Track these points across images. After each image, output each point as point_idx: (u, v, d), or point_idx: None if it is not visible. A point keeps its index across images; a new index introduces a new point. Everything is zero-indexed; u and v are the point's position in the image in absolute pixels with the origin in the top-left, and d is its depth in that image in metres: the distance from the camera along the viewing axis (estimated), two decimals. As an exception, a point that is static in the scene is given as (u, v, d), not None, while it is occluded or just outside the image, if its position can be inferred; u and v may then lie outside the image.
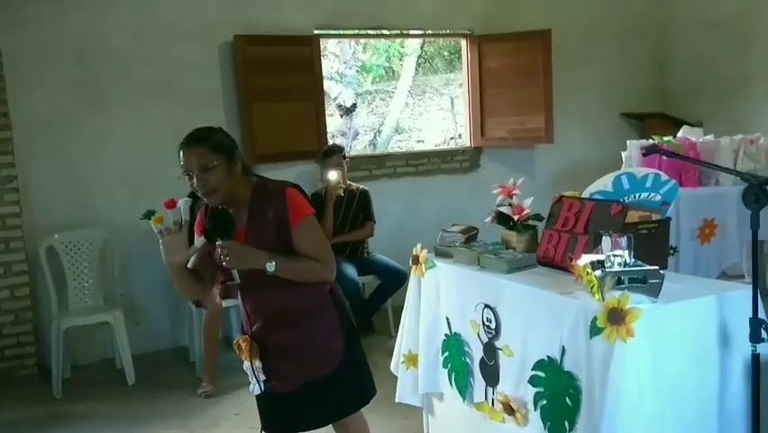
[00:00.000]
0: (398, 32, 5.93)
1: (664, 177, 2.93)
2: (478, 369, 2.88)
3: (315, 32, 5.59)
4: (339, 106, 9.96)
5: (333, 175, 5.08)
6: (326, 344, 2.43)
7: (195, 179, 2.24)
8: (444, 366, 3.11)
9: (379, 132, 10.46)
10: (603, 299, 2.22)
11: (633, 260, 2.32)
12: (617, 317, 2.15)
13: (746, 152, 4.46)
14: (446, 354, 3.10)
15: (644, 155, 2.70)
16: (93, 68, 5.02)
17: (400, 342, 3.31)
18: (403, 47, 10.36)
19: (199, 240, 2.38)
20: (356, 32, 5.86)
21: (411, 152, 6.93)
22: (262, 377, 2.42)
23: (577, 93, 6.50)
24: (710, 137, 4.76)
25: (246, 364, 2.42)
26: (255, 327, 2.44)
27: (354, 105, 10.19)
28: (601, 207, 2.75)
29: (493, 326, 2.76)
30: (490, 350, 2.79)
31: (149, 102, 5.18)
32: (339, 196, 5.15)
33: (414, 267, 3.25)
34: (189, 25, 5.23)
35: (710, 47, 6.50)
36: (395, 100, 10.55)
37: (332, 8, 5.65)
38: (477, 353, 2.88)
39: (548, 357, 2.46)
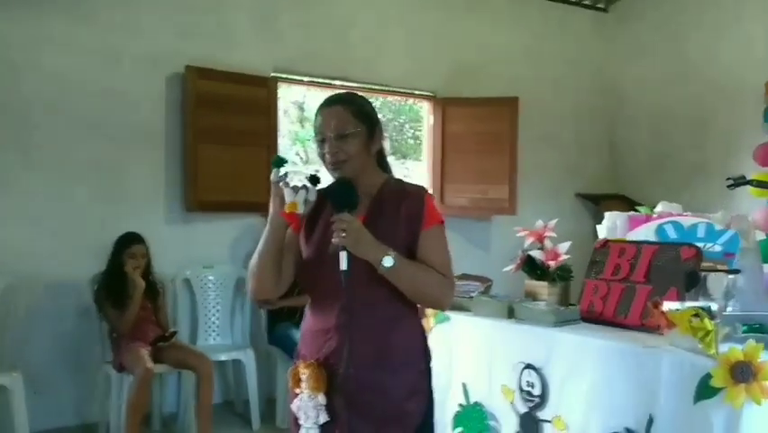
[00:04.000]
0: (360, 85, 5.52)
1: (718, 226, 2.57)
2: (510, 447, 2.33)
3: (273, 74, 5.10)
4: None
5: None
6: (406, 401, 1.85)
7: (327, 146, 1.86)
8: (456, 444, 2.53)
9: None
10: (717, 352, 1.75)
11: (738, 304, 1.89)
12: (745, 373, 1.68)
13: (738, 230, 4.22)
14: (459, 429, 2.53)
15: (729, 187, 2.34)
16: (16, 86, 4.30)
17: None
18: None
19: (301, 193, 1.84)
20: (316, 79, 5.39)
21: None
22: (324, 418, 1.80)
23: (534, 167, 6.24)
24: (689, 214, 4.54)
25: (299, 401, 1.82)
26: (325, 352, 1.83)
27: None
28: (666, 250, 2.34)
29: (536, 391, 2.23)
30: (530, 422, 2.25)
31: (77, 134, 4.47)
32: None
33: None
34: (136, 51, 4.61)
35: (665, 132, 6.47)
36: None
37: (292, 51, 5.19)
38: (509, 426, 2.34)
39: (626, 430, 1.95)
